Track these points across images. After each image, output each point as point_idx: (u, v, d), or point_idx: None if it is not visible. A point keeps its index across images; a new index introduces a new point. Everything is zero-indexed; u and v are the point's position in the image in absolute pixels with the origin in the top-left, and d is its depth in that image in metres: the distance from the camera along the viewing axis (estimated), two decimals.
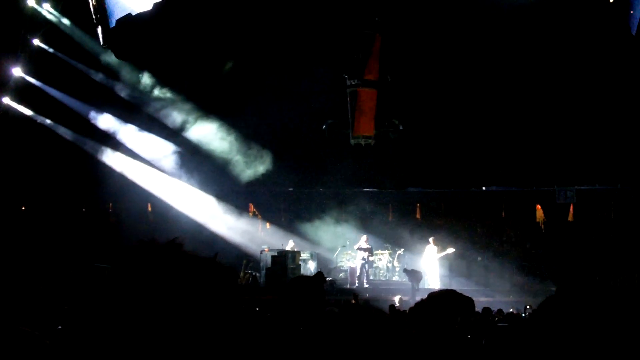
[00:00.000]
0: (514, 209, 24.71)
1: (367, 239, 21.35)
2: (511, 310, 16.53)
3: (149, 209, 24.56)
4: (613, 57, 21.48)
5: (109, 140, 23.49)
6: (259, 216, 24.91)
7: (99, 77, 23.38)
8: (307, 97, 22.87)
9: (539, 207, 24.54)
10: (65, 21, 22.77)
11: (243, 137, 22.99)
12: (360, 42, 23.30)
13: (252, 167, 23.01)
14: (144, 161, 23.38)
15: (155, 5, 21.46)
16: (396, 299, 17.73)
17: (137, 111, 23.36)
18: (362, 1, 23.99)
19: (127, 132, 23.48)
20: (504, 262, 22.16)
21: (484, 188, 25.01)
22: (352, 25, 24.15)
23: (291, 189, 24.96)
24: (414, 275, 19.58)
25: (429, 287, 19.95)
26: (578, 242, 23.24)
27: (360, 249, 21.08)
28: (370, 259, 21.31)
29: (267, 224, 24.78)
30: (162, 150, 23.37)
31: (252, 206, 24.86)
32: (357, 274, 21.17)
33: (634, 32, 19.06)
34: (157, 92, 23.07)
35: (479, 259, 22.19)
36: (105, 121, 23.56)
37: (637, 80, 22.12)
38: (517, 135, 23.24)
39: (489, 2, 22.54)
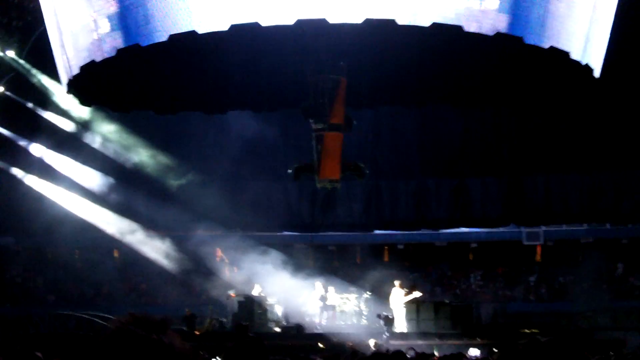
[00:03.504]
0: (481, 250, 24.68)
1: (323, 284, 21.54)
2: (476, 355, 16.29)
3: (115, 254, 24.39)
4: (578, 100, 21.71)
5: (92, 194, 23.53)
6: (226, 260, 24.74)
7: (67, 126, 23.44)
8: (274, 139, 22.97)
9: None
10: (31, 69, 22.81)
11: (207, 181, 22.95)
12: (325, 86, 23.40)
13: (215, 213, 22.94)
14: (104, 205, 23.33)
15: (119, 51, 21.39)
16: (371, 343, 17.83)
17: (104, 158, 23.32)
18: (328, 45, 24.14)
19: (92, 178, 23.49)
20: (471, 304, 22.00)
21: (451, 230, 24.99)
22: (317, 69, 24.26)
23: (257, 232, 24.87)
24: (388, 321, 19.73)
25: (396, 330, 19.88)
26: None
27: (320, 297, 21.46)
28: (327, 303, 21.48)
29: (235, 269, 24.58)
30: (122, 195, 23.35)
31: (219, 251, 24.71)
32: (318, 319, 21.36)
33: (597, 75, 19.06)
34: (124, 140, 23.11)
35: (447, 301, 22.02)
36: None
37: (599, 119, 22.41)
38: (484, 175, 23.34)
39: (454, 44, 22.67)
